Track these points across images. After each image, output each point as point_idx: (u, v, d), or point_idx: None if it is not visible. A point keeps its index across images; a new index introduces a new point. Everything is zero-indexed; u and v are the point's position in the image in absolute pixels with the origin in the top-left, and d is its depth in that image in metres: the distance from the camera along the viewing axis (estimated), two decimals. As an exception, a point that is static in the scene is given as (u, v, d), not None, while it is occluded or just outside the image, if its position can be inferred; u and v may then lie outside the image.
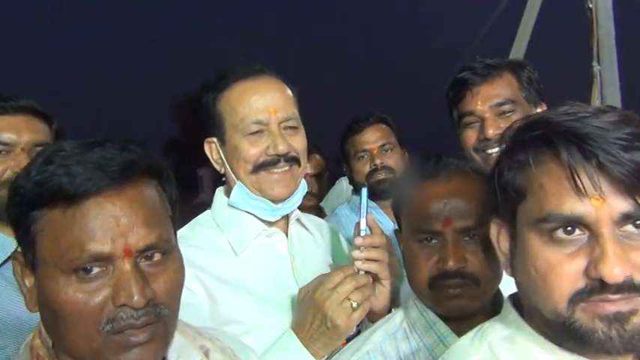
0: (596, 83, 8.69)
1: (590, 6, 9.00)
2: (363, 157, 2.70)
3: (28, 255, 1.01)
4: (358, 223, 1.55)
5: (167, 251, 1.04)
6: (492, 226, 1.04)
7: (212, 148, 1.70)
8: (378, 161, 2.65)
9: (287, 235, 1.71)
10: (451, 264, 1.30)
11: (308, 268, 1.67)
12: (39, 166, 0.99)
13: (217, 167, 1.72)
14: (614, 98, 8.81)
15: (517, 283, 0.99)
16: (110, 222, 0.97)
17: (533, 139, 0.92)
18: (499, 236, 1.03)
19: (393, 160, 2.68)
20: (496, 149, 1.72)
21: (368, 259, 1.51)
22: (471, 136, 1.83)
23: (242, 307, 1.54)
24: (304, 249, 1.72)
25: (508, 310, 1.03)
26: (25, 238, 1.01)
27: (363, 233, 1.54)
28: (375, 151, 2.66)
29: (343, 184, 3.96)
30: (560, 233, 0.87)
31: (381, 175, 2.64)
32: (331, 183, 4.00)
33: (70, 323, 0.97)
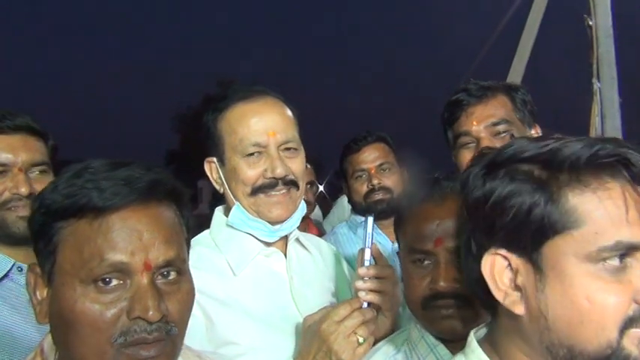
0: (596, 100, 8.72)
1: (591, 24, 9.06)
2: (361, 176, 2.68)
3: (46, 265, 1.04)
4: (362, 251, 1.53)
5: (182, 271, 1.07)
6: (490, 259, 0.94)
7: (212, 168, 1.71)
8: (375, 181, 2.63)
9: (286, 255, 1.70)
10: (442, 284, 1.31)
11: (306, 288, 1.67)
12: (67, 180, 1.04)
13: (217, 187, 1.72)
14: (614, 115, 8.84)
15: (544, 319, 0.90)
16: (133, 235, 1.01)
17: (593, 168, 0.88)
18: (499, 270, 0.93)
19: (391, 180, 2.65)
20: None
21: (372, 290, 1.50)
22: (466, 156, 1.83)
23: (239, 328, 1.54)
24: (303, 269, 1.71)
25: (472, 348, 1.01)
26: (46, 248, 1.04)
27: (367, 263, 1.52)
28: (372, 171, 2.64)
29: (344, 203, 3.95)
30: (614, 261, 0.87)
31: (378, 196, 2.61)
32: (331, 194, 4.00)
33: (82, 334, 0.99)
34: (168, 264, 1.04)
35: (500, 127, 1.81)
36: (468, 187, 0.98)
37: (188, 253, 1.13)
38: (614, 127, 8.84)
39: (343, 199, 3.98)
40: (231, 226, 1.66)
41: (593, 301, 0.85)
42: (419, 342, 1.38)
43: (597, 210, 0.87)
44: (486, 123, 1.82)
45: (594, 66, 8.92)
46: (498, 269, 0.93)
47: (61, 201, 1.02)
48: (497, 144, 1.76)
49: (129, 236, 1.01)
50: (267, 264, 1.67)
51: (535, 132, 1.88)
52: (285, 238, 1.71)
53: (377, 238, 2.50)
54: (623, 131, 8.99)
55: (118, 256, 1.00)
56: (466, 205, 0.98)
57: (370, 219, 1.53)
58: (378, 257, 1.56)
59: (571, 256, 0.87)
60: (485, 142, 1.79)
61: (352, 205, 2.79)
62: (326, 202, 7.19)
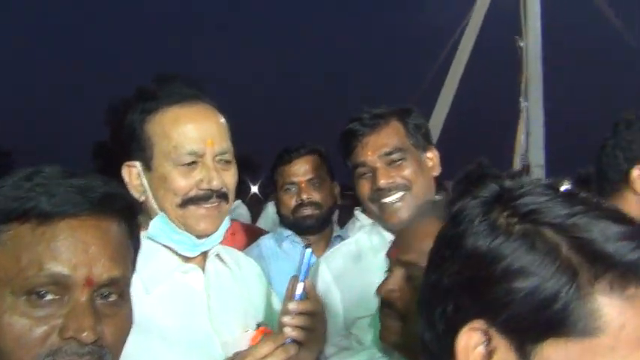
0: (523, 118, 9.13)
1: (521, 45, 9.46)
2: (290, 189, 2.59)
3: None
4: (294, 281, 1.48)
5: (124, 294, 1.01)
6: (470, 333, 0.73)
7: (132, 173, 1.57)
8: (304, 196, 2.55)
9: (205, 271, 1.62)
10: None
11: (224, 306, 1.60)
12: (15, 182, 0.97)
13: (136, 194, 1.57)
14: (538, 133, 9.28)
15: None
16: (79, 247, 0.96)
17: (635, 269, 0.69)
18: (474, 344, 0.73)
19: (321, 195, 2.58)
20: (391, 198, 1.81)
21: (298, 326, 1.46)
22: (364, 187, 1.86)
23: (151, 349, 1.45)
24: (221, 286, 1.64)
25: None
26: None
27: (297, 298, 1.47)
28: (302, 185, 2.56)
29: (269, 210, 3.88)
30: None
31: (307, 211, 2.55)
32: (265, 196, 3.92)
33: (6, 349, 0.91)
34: (111, 282, 0.97)
35: (394, 156, 1.84)
36: (463, 225, 0.77)
37: (131, 276, 1.06)
38: (537, 145, 9.27)
39: (269, 207, 3.90)
40: (150, 239, 1.55)
41: None
42: None
43: (627, 322, 0.69)
44: (380, 152, 1.84)
45: (522, 85, 9.33)
46: (474, 344, 0.73)
47: (4, 202, 0.94)
48: (392, 173, 1.81)
49: (74, 247, 0.94)
50: (185, 281, 1.59)
51: (430, 154, 1.93)
52: (205, 253, 1.63)
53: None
54: (546, 149, 9.42)
55: (58, 267, 0.93)
56: (454, 249, 0.78)
57: (308, 251, 1.48)
58: (310, 292, 1.51)
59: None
60: (381, 172, 1.82)
61: (280, 218, 2.73)
62: (260, 205, 7.11)
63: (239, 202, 6.33)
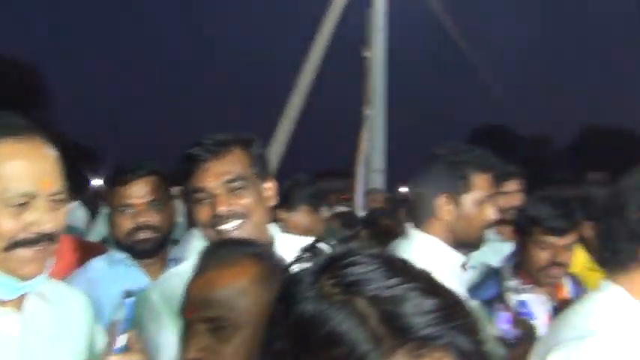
0: (366, 127, 9.63)
1: (367, 55, 9.97)
2: (125, 211, 2.40)
3: None
4: (113, 328, 1.40)
5: None
6: None
7: None
8: (142, 219, 2.38)
9: (22, 313, 1.50)
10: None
11: (41, 351, 1.50)
12: None
13: None
14: (380, 141, 9.85)
15: None
16: None
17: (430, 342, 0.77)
18: None
19: (160, 217, 2.42)
20: (228, 225, 1.81)
21: None
22: (202, 213, 1.85)
23: None
24: (40, 329, 1.53)
25: None
26: None
27: (117, 351, 1.39)
28: (140, 207, 2.39)
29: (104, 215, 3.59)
30: None
31: (144, 235, 2.39)
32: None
33: None
34: None
35: (236, 184, 1.84)
36: (294, 290, 0.84)
37: None
38: (380, 152, 9.84)
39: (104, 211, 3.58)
40: None
41: None
42: None
43: None
44: (222, 180, 1.83)
45: (367, 95, 9.84)
46: None
47: None
48: (232, 201, 1.82)
49: None
50: None
51: (269, 185, 1.96)
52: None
53: (135, 276, 2.40)
54: (387, 155, 10.04)
55: None
56: (285, 313, 0.84)
57: (129, 300, 1.41)
58: (132, 345, 1.44)
59: None
60: (221, 199, 1.82)
61: (114, 240, 2.54)
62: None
63: (76, 204, 5.87)
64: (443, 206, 2.08)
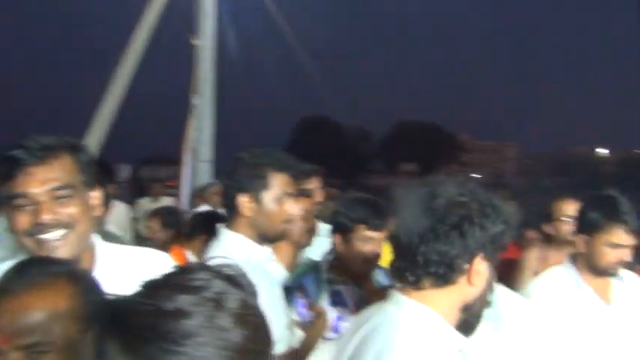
0: (194, 114, 9.55)
1: (196, 43, 9.87)
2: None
3: None
4: None
5: None
6: None
7: None
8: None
9: None
10: None
11: None
12: None
13: None
14: (208, 129, 9.84)
15: None
16: None
17: None
18: None
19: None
20: (51, 235, 1.70)
21: None
22: (22, 220, 1.72)
23: None
24: None
25: None
26: None
27: None
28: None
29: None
30: None
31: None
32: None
33: None
34: None
35: (62, 192, 1.73)
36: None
37: None
38: (207, 140, 9.83)
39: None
40: None
41: None
42: None
43: None
44: (48, 187, 1.72)
45: (195, 82, 9.75)
46: None
47: None
48: (58, 209, 1.72)
49: None
50: None
51: (95, 194, 1.84)
52: None
53: None
54: (215, 145, 10.06)
55: None
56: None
57: None
58: None
59: None
60: (46, 207, 1.71)
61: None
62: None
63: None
64: (245, 204, 2.25)
